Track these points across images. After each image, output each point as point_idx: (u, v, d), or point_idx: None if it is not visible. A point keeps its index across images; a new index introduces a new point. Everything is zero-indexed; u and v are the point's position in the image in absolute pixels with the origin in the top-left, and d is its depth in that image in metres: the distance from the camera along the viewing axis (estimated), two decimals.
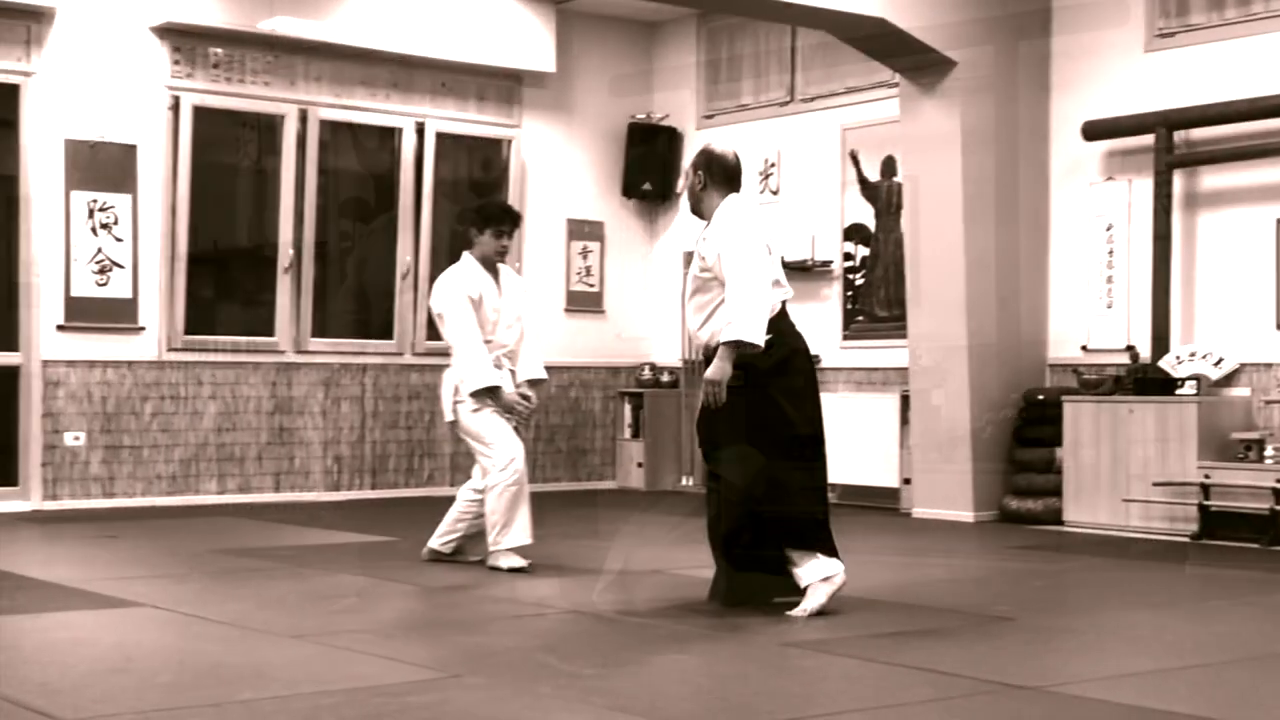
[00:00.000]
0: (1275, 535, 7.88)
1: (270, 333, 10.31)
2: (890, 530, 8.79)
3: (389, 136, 10.87)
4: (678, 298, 10.66)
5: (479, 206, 7.18)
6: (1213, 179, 8.84)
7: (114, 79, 9.68)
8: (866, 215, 10.51)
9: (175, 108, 9.88)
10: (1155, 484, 8.37)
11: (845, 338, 10.59)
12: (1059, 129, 9.52)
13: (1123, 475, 8.57)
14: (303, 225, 10.36)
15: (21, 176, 9.47)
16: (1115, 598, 6.28)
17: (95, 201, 9.58)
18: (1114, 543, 8.19)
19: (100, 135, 9.60)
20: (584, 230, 11.74)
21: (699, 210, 5.78)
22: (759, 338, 5.39)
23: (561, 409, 11.46)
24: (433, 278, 10.57)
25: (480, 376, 6.58)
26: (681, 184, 5.87)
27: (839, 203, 10.67)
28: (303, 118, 10.35)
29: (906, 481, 9.75)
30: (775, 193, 11.10)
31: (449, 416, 6.77)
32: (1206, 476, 8.16)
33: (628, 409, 11.69)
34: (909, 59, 9.20)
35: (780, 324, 5.62)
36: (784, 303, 5.69)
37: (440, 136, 10.97)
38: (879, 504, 10.03)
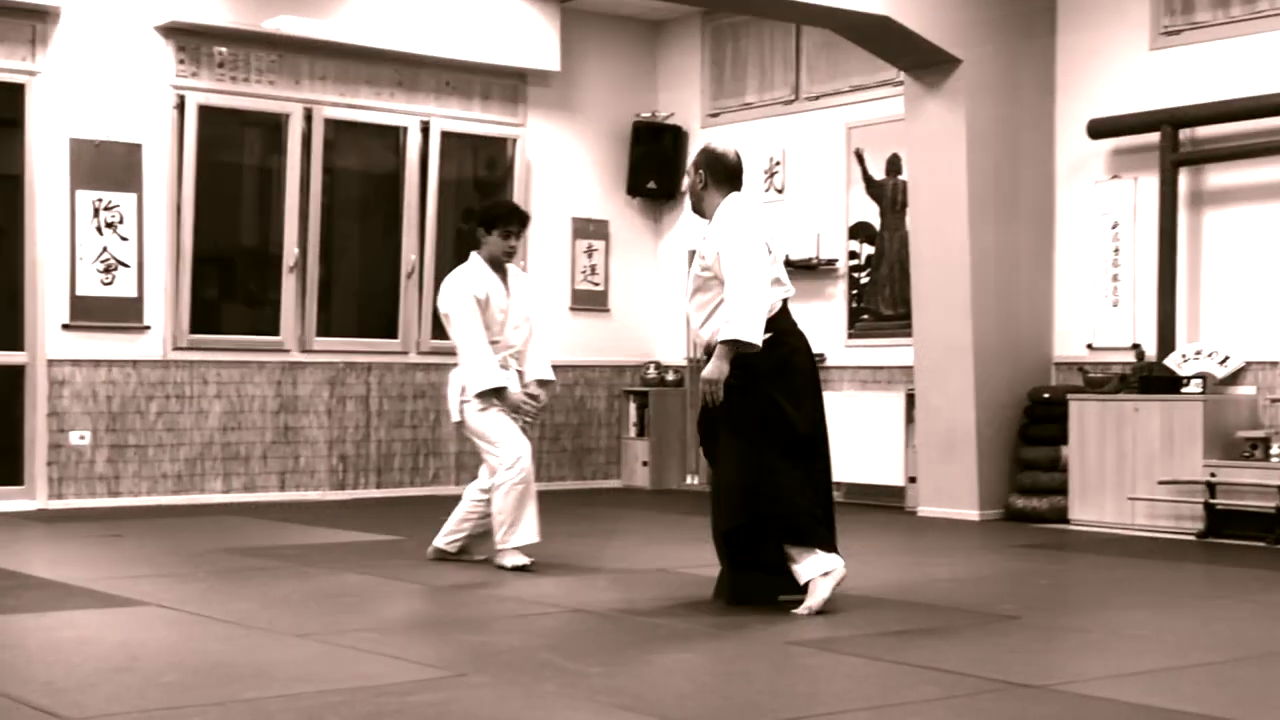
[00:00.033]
0: None
1: (275, 332, 10.32)
2: (895, 529, 8.79)
3: (394, 135, 10.87)
4: (682, 296, 10.65)
5: (487, 207, 7.17)
6: (1218, 177, 8.83)
7: (119, 78, 9.69)
8: (871, 214, 10.50)
9: (180, 107, 9.89)
10: (1161, 482, 8.36)
11: (850, 336, 10.59)
12: (1064, 127, 9.51)
13: (1128, 474, 8.56)
14: (308, 224, 10.36)
15: (27, 175, 9.48)
16: (1121, 596, 6.27)
17: (100, 200, 9.58)
18: (1119, 541, 8.18)
19: (105, 134, 9.61)
20: (589, 229, 11.74)
21: (700, 209, 5.78)
22: (756, 337, 5.40)
23: (566, 408, 11.47)
24: (437, 276, 10.63)
25: (485, 378, 6.57)
26: (685, 183, 5.88)
27: (844, 201, 10.66)
28: (308, 117, 10.36)
29: (912, 480, 9.75)
30: (780, 191, 11.10)
31: (455, 417, 6.77)
32: (1212, 475, 8.15)
33: (633, 408, 11.69)
34: (914, 57, 9.20)
35: (781, 322, 5.63)
36: (785, 301, 5.69)
37: (445, 135, 10.97)
38: (884, 502, 10.03)
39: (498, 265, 6.80)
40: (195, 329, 9.96)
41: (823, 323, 10.59)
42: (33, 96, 9.45)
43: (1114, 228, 9.25)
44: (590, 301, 11.72)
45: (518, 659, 4.66)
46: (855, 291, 10.58)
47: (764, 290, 5.46)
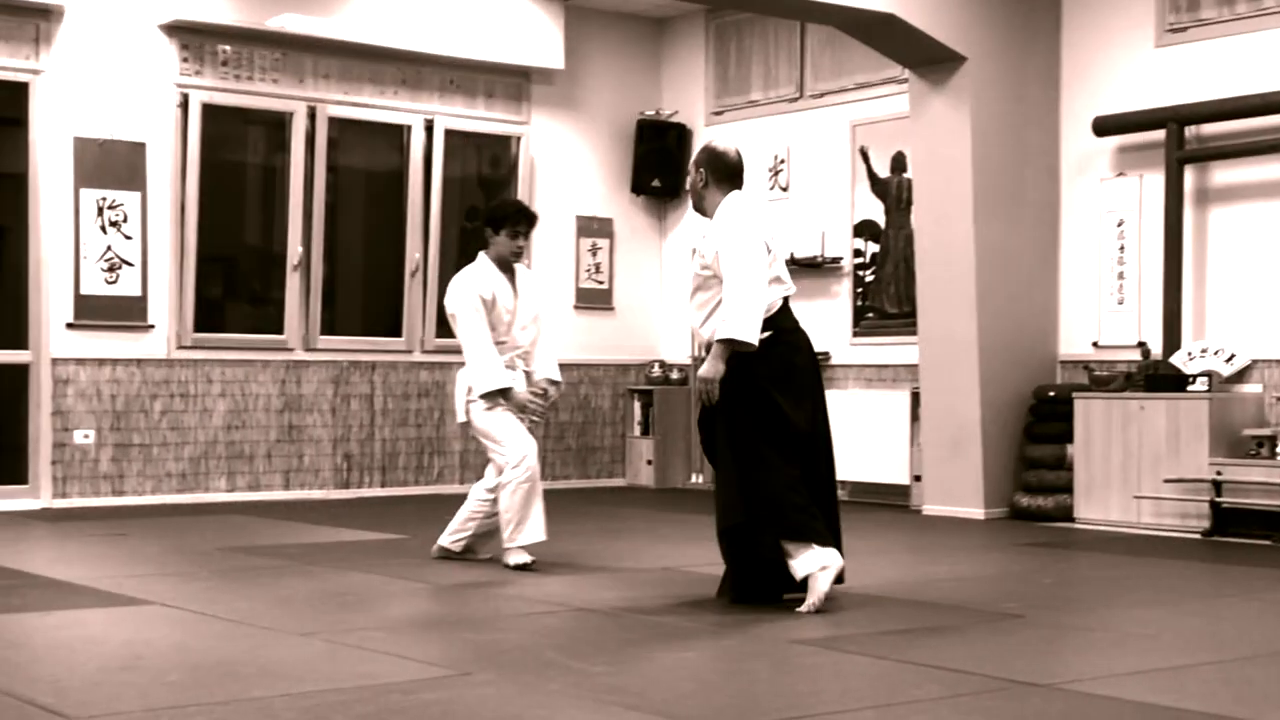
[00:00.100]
0: None
1: (279, 330, 10.32)
2: (900, 527, 8.78)
3: (398, 134, 10.87)
4: (684, 295, 10.63)
5: (494, 206, 7.15)
6: (1224, 174, 8.81)
7: (123, 77, 9.69)
8: (876, 211, 10.49)
9: (184, 105, 9.89)
10: (1166, 481, 8.35)
11: (855, 334, 10.58)
12: (1069, 124, 9.50)
13: (1134, 472, 8.55)
14: (311, 223, 10.36)
15: (31, 174, 9.48)
16: (1126, 595, 6.26)
17: (104, 199, 9.59)
18: (1125, 540, 8.17)
19: (109, 133, 9.61)
20: (593, 227, 11.74)
21: (701, 208, 5.79)
22: (753, 336, 5.40)
23: (571, 406, 11.46)
24: (442, 275, 10.64)
25: (490, 378, 6.57)
26: (687, 181, 5.89)
27: (849, 199, 10.65)
28: (311, 115, 10.36)
29: (917, 478, 9.74)
30: (785, 189, 11.09)
31: (461, 417, 6.76)
32: (1218, 473, 8.14)
33: (637, 406, 11.69)
34: (919, 54, 9.19)
35: (781, 321, 5.63)
36: (786, 300, 5.68)
37: (449, 133, 10.97)
38: (889, 501, 10.02)
39: (505, 265, 6.78)
40: (199, 328, 9.96)
41: (828, 321, 10.58)
42: (37, 95, 9.46)
43: (1119, 225, 9.24)
44: (594, 300, 11.72)
45: (522, 658, 4.65)
46: (860, 290, 10.57)
47: (761, 290, 5.47)
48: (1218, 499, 8.14)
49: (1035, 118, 9.44)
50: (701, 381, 5.53)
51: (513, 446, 6.54)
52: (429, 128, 10.87)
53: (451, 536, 6.92)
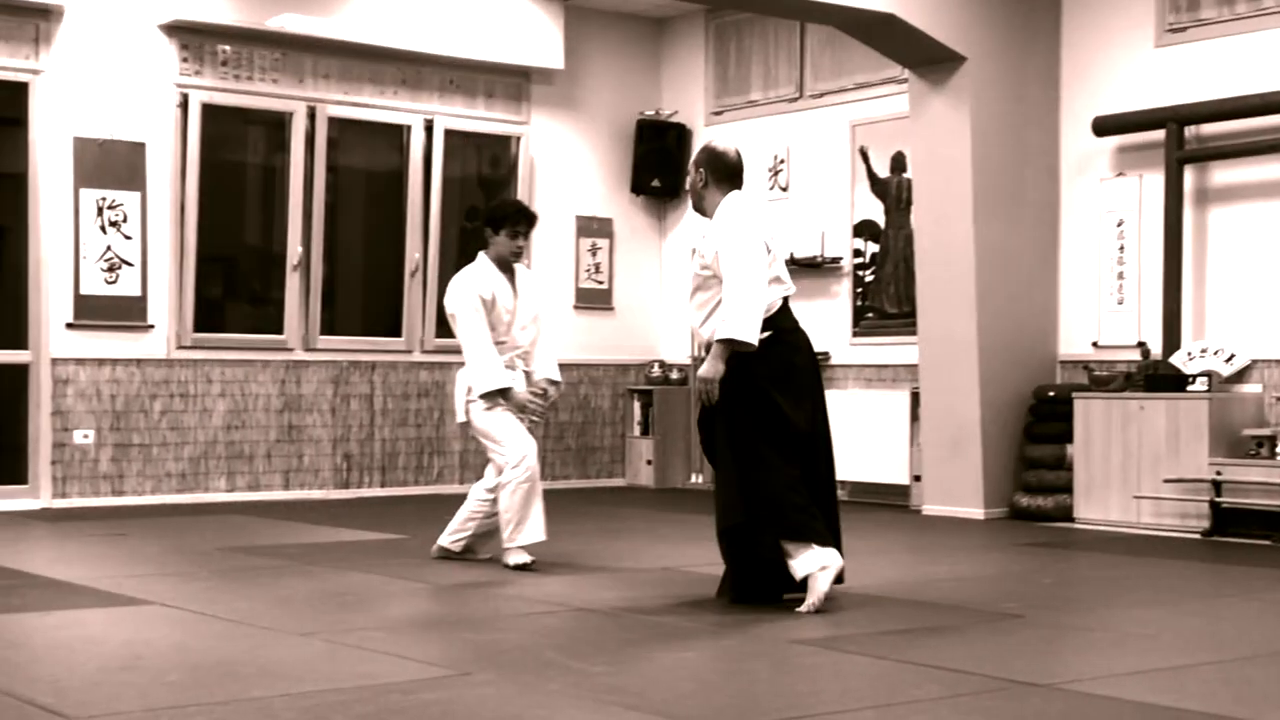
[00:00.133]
0: None
1: (279, 330, 10.32)
2: (900, 527, 8.78)
3: (397, 134, 10.87)
4: (686, 294, 10.64)
5: (494, 206, 7.14)
6: (1224, 174, 8.81)
7: (122, 77, 9.69)
8: (876, 211, 10.49)
9: (184, 105, 9.89)
10: (1166, 481, 8.35)
11: (855, 334, 10.58)
12: (1069, 124, 9.50)
13: (1134, 472, 8.55)
14: (311, 223, 10.36)
15: (31, 174, 9.48)
16: (1126, 595, 6.26)
17: (104, 199, 9.58)
18: (1125, 540, 8.17)
19: (109, 133, 9.61)
20: (593, 227, 11.74)
21: (701, 208, 5.79)
22: (752, 336, 5.41)
23: (570, 406, 11.46)
24: (441, 275, 10.64)
25: (490, 379, 6.57)
26: (687, 181, 5.89)
27: (849, 199, 10.65)
28: (311, 115, 10.36)
29: (916, 478, 9.74)
30: (785, 189, 11.09)
31: (461, 417, 6.76)
32: (1218, 473, 8.14)
33: (637, 406, 11.69)
34: (918, 54, 9.19)
35: (781, 321, 5.63)
36: (785, 299, 5.69)
37: (449, 133, 10.97)
38: (889, 501, 10.02)
39: (505, 265, 6.77)
40: (199, 328, 9.96)
41: (827, 321, 10.58)
42: (36, 95, 9.46)
43: (1119, 225, 9.24)
44: (594, 300, 11.72)
45: (522, 658, 4.65)
46: (860, 290, 10.57)
47: (761, 290, 5.47)
48: (1217, 499, 8.14)
49: (1035, 118, 9.44)
50: (701, 381, 5.54)
51: (512, 446, 6.54)
52: (429, 128, 10.87)
53: (451, 536, 6.92)
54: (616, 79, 11.82)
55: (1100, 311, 9.31)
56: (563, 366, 7.10)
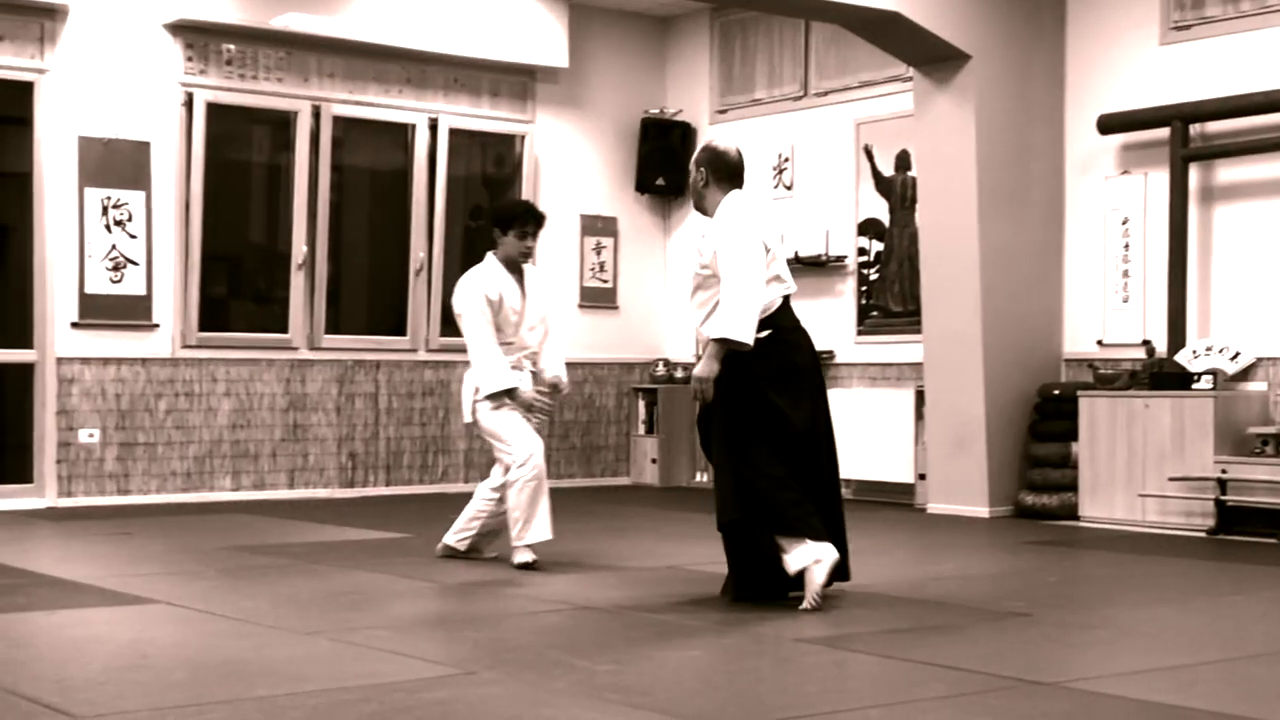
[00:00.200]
0: None
1: (284, 329, 10.33)
2: (905, 525, 8.77)
3: (402, 133, 10.87)
4: (687, 294, 10.64)
5: (502, 207, 7.13)
6: (1229, 172, 8.80)
7: (127, 76, 9.69)
8: (881, 210, 10.49)
9: (189, 104, 9.90)
10: (1171, 479, 8.35)
11: (859, 333, 10.57)
12: (1074, 122, 9.49)
13: (1139, 470, 8.55)
14: (316, 222, 10.37)
15: (35, 173, 9.49)
16: (1131, 593, 6.25)
17: (109, 198, 9.59)
18: (1130, 538, 8.16)
19: (114, 132, 9.61)
20: (597, 226, 11.74)
21: (702, 207, 5.80)
22: (747, 336, 5.41)
23: (575, 405, 11.46)
24: (446, 273, 10.65)
25: (495, 379, 6.57)
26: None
27: (853, 197, 10.65)
28: (316, 114, 10.36)
29: (921, 477, 9.74)
30: (789, 188, 11.08)
31: (468, 417, 6.76)
32: (1223, 471, 8.13)
33: (642, 405, 11.69)
34: (923, 52, 9.18)
35: (780, 319, 5.63)
36: (786, 298, 5.69)
37: (453, 132, 10.97)
38: (894, 499, 10.01)
39: (514, 266, 6.76)
40: (204, 327, 9.97)
41: (832, 319, 10.58)
42: (41, 94, 9.46)
43: (1124, 223, 9.23)
44: (599, 299, 11.72)
45: (527, 656, 4.66)
46: (864, 288, 10.56)
47: (758, 289, 5.47)
48: (1222, 497, 8.13)
49: (1040, 116, 9.44)
50: (696, 381, 5.55)
51: (519, 445, 6.54)
52: (434, 126, 10.87)
53: (456, 535, 6.92)
54: (621, 78, 11.82)
55: (1105, 309, 9.31)
56: (568, 365, 7.10)
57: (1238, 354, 8.52)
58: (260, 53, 10.15)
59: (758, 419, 5.53)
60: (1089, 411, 8.80)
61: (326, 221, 10.41)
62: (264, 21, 9.95)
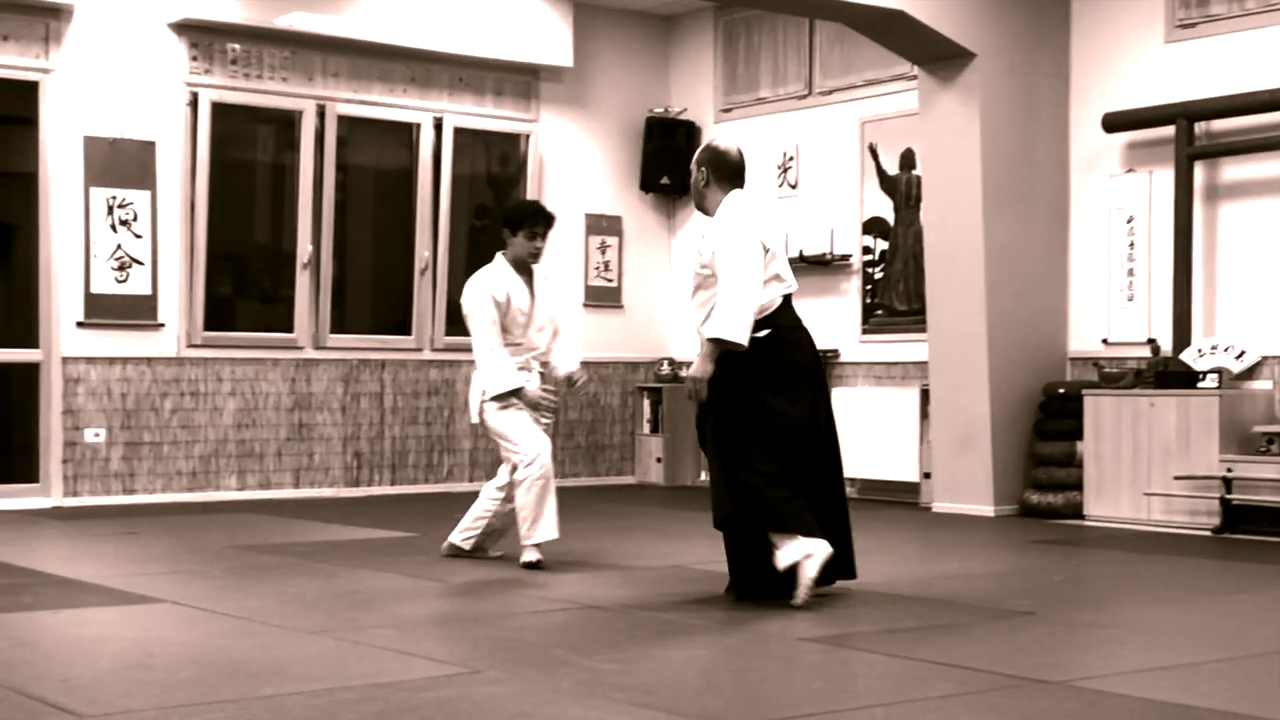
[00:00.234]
0: None
1: (289, 329, 10.33)
2: (910, 524, 8.77)
3: (407, 132, 10.87)
4: (687, 293, 10.63)
5: (511, 208, 7.13)
6: (1234, 170, 8.80)
7: (132, 75, 9.70)
8: (885, 209, 10.49)
9: (193, 104, 9.91)
10: (1177, 478, 8.34)
11: (864, 332, 10.57)
12: (1079, 121, 9.48)
13: (1144, 469, 8.54)
14: (321, 221, 10.38)
15: (41, 173, 9.50)
16: (1136, 592, 6.25)
17: (114, 198, 9.60)
18: (1135, 537, 8.16)
19: (119, 132, 9.62)
20: (602, 225, 11.74)
21: (703, 206, 5.81)
22: (741, 336, 5.41)
23: (580, 404, 11.46)
24: (451, 273, 10.66)
25: (500, 381, 6.56)
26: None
27: (858, 196, 10.64)
28: (320, 113, 10.37)
29: (926, 476, 9.73)
30: (794, 187, 11.08)
31: (475, 418, 6.76)
32: (1229, 470, 8.12)
33: (646, 404, 11.69)
34: (927, 51, 9.18)
35: (780, 319, 5.63)
36: (787, 297, 5.68)
37: (458, 131, 10.97)
38: (899, 498, 10.01)
39: (523, 267, 6.75)
40: (209, 326, 9.98)
41: (837, 318, 10.58)
42: (47, 94, 9.47)
43: (1129, 222, 9.22)
44: (603, 298, 11.72)
45: (532, 655, 4.66)
46: (869, 287, 10.56)
47: (755, 289, 5.47)
48: (1228, 496, 8.13)
49: (1045, 114, 9.43)
50: (690, 381, 5.56)
51: (527, 445, 6.54)
52: (438, 126, 10.88)
53: (462, 534, 6.92)
54: (625, 76, 11.82)
55: (1110, 308, 9.30)
56: None
57: (1243, 352, 8.51)
58: (265, 52, 10.16)
59: (752, 417, 5.53)
60: (1094, 410, 8.79)
61: (331, 221, 10.42)
62: (269, 21, 9.96)
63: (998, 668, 4.46)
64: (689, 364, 11.55)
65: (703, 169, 5.76)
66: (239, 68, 10.08)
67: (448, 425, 10.90)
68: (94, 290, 9.53)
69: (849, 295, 10.66)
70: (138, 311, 9.68)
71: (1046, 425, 9.20)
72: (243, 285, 10.77)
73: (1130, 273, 9.21)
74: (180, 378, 9.87)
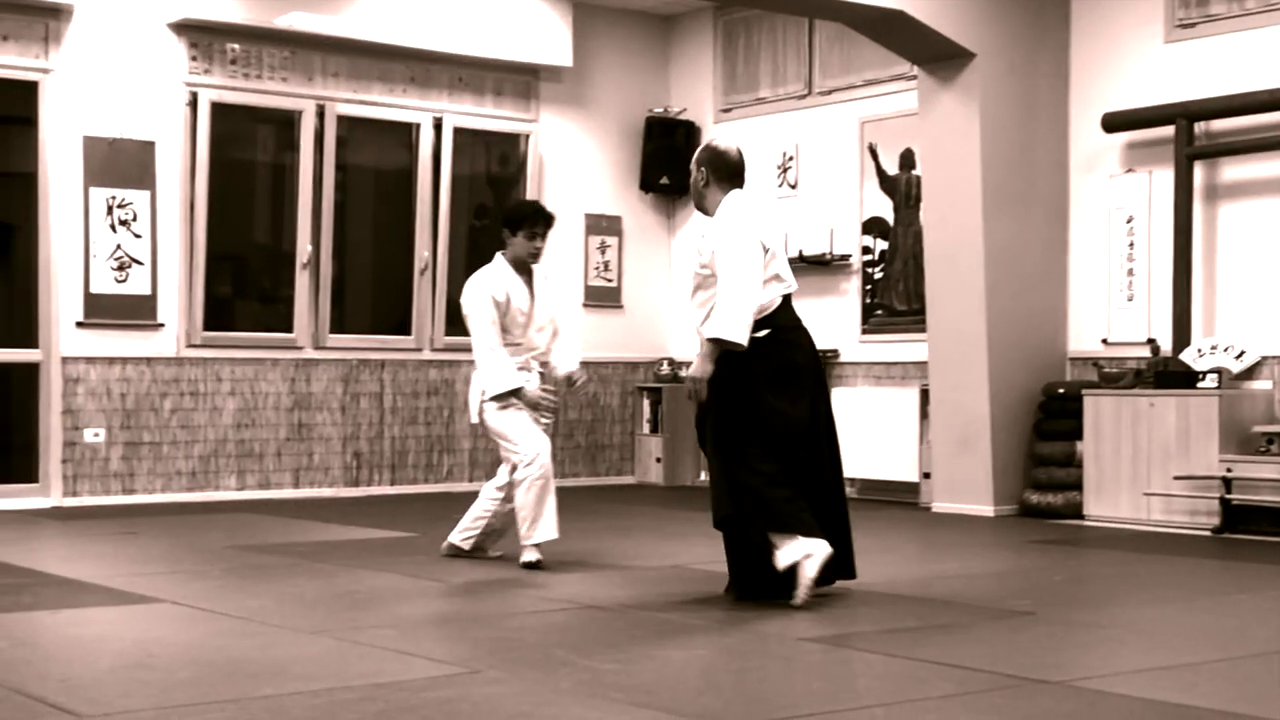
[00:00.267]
0: None
1: (289, 329, 10.33)
2: (909, 524, 8.77)
3: (406, 132, 10.87)
4: (687, 293, 10.62)
5: (511, 208, 7.13)
6: (1234, 170, 8.80)
7: (132, 75, 9.70)
8: (885, 209, 10.49)
9: (193, 104, 9.91)
10: (1176, 478, 8.34)
11: (864, 332, 10.57)
12: (1078, 121, 9.48)
13: (1144, 469, 8.54)
14: (320, 221, 10.38)
15: (40, 173, 9.50)
16: (1136, 592, 6.25)
17: (114, 198, 9.60)
18: (1135, 537, 8.16)
19: (119, 132, 9.62)
20: (602, 225, 11.74)
21: (702, 206, 5.81)
22: (740, 336, 5.41)
23: (580, 404, 11.46)
24: (451, 273, 10.66)
25: (501, 380, 6.56)
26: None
27: (857, 196, 10.64)
28: (320, 113, 10.37)
29: (926, 475, 9.73)
30: (793, 186, 11.08)
31: (475, 418, 6.76)
32: (1228, 470, 8.12)
33: (646, 404, 11.69)
34: (927, 51, 9.18)
35: (780, 319, 5.63)
36: (787, 297, 5.69)
37: (458, 131, 10.97)
38: (898, 498, 10.01)
39: (523, 267, 6.75)
40: (209, 326, 9.98)
41: (836, 318, 10.58)
42: (46, 94, 9.47)
43: (1129, 222, 9.22)
44: (603, 298, 11.72)
45: (531, 655, 4.66)
46: (869, 287, 10.56)
47: (754, 289, 5.47)
48: (1228, 496, 8.13)
49: (1044, 114, 9.43)
50: (690, 381, 5.56)
51: (526, 445, 6.54)
52: (438, 126, 10.88)
53: (461, 534, 6.92)
54: (625, 76, 11.82)
55: (1110, 308, 9.30)
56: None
57: (1243, 352, 8.51)
58: (265, 52, 10.16)
59: (751, 417, 5.53)
60: (1094, 410, 8.79)
61: (331, 221, 10.42)
62: (268, 21, 9.96)
63: (998, 668, 4.46)
64: (689, 364, 11.57)
65: (702, 169, 5.77)
66: (239, 68, 10.08)
67: (447, 425, 10.90)
68: (94, 290, 9.53)
69: (849, 295, 10.66)
70: (137, 311, 9.68)
71: (1046, 425, 9.21)
72: (242, 285, 10.77)
73: (1130, 273, 9.21)
74: (180, 378, 9.87)
